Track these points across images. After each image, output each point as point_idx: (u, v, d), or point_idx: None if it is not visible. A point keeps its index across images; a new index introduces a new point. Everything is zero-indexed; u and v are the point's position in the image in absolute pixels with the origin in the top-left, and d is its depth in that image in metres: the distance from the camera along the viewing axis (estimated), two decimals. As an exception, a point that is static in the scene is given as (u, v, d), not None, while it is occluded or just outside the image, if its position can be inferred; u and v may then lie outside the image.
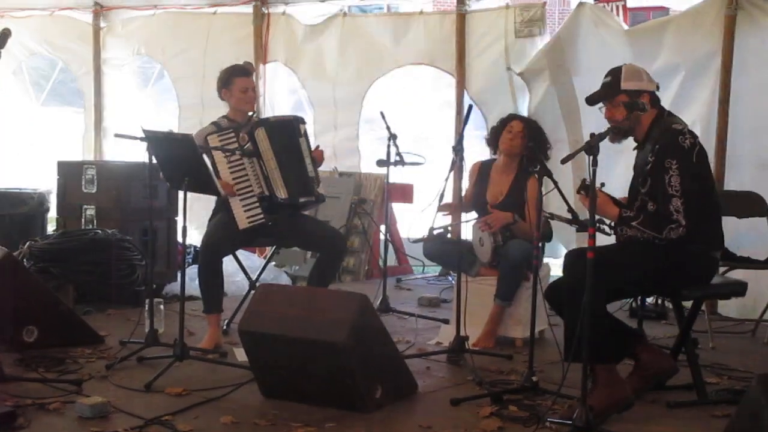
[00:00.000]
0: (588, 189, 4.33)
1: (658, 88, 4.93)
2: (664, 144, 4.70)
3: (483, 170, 6.48)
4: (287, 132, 6.12)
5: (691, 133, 4.79)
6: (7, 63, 11.30)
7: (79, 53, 10.99)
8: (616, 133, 4.88)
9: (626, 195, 5.03)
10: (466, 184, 6.53)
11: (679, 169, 4.63)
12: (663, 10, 9.02)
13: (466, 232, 6.46)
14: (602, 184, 4.55)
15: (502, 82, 8.65)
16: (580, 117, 8.05)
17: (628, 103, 4.74)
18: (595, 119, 7.90)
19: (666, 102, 4.99)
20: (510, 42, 8.52)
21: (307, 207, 6.35)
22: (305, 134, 6.19)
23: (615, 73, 4.89)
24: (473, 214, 6.48)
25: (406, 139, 7.39)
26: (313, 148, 6.25)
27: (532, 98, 8.40)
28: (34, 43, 11.23)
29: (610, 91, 4.88)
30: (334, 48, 9.48)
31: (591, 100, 4.97)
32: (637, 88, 4.82)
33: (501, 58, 8.61)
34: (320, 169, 6.34)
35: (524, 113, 8.05)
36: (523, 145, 6.28)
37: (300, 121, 6.24)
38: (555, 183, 4.87)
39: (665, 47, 7.54)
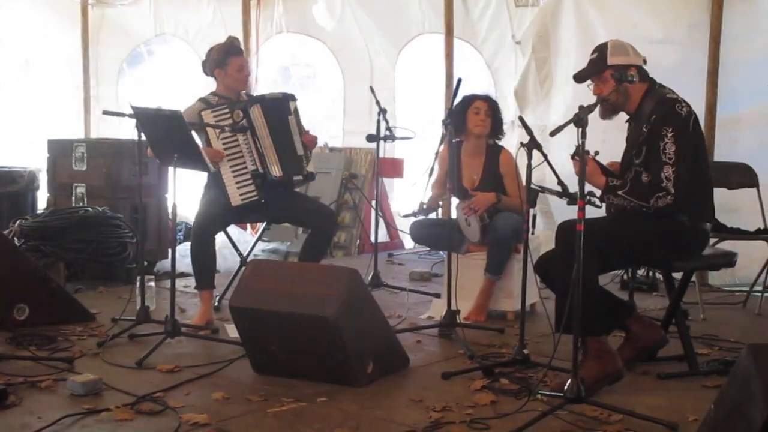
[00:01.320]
0: (583, 156, 4.32)
1: (645, 62, 4.92)
2: (661, 112, 4.69)
3: (452, 155, 6.43)
4: (281, 109, 6.11)
5: (686, 103, 4.78)
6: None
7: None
8: (606, 109, 4.87)
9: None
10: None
11: (674, 137, 4.61)
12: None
13: (453, 211, 6.45)
14: (596, 152, 4.55)
15: (511, 48, 8.70)
16: (552, 96, 8.15)
17: (616, 74, 4.72)
18: (563, 99, 8.03)
19: (657, 74, 4.96)
20: (512, 11, 8.54)
21: (298, 185, 6.34)
22: (296, 111, 6.17)
23: (601, 49, 4.88)
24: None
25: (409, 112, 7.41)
26: (307, 131, 6.25)
27: (520, 70, 8.42)
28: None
29: (597, 67, 4.86)
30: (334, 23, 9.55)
31: (579, 78, 4.95)
32: (624, 62, 4.80)
33: (507, 26, 8.65)
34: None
35: None
36: (490, 123, 6.29)
37: (291, 97, 6.22)
38: (545, 156, 4.85)
39: (651, 19, 7.53)
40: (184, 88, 10.57)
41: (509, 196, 6.14)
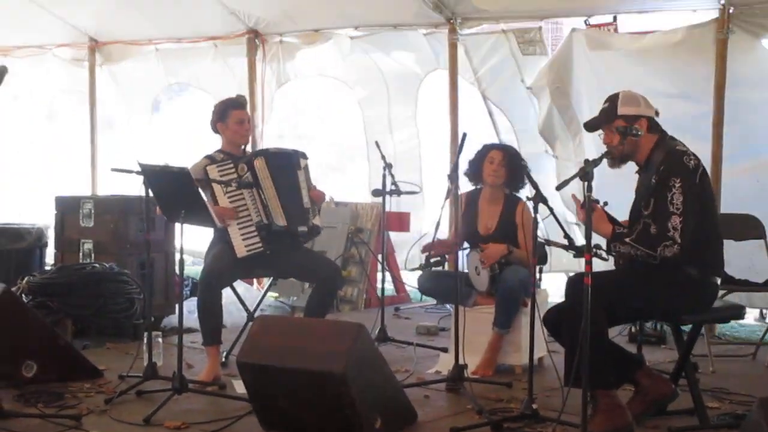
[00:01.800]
0: (593, 206, 4.35)
1: (657, 113, 4.94)
2: (669, 163, 4.71)
3: (471, 200, 6.49)
4: (287, 162, 6.17)
5: (695, 155, 4.79)
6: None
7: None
8: (613, 159, 4.89)
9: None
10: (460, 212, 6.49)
11: (682, 188, 4.62)
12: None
13: (461, 263, 6.44)
14: (605, 203, 4.56)
15: (521, 90, 8.76)
16: (583, 138, 8.14)
17: (621, 128, 4.75)
18: (596, 141, 8.01)
19: (668, 126, 4.99)
20: (520, 60, 8.61)
21: (305, 239, 6.36)
22: (305, 168, 6.24)
23: (612, 99, 4.91)
24: (466, 245, 6.48)
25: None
26: (314, 186, 6.29)
27: (540, 113, 8.45)
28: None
29: (607, 117, 4.90)
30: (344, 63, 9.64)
31: (589, 126, 5.00)
32: (635, 113, 4.84)
33: (516, 74, 8.72)
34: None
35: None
36: (505, 173, 6.31)
37: (301, 155, 6.29)
38: (550, 209, 4.87)
39: (664, 69, 7.58)
40: (198, 136, 10.72)
41: (521, 249, 6.14)
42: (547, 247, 6.26)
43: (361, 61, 9.61)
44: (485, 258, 6.13)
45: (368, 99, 9.86)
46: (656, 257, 4.62)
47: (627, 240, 4.69)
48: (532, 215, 4.87)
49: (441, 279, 6.38)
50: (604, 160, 4.66)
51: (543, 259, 6.40)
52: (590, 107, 7.87)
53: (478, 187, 6.50)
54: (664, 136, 4.91)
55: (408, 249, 6.79)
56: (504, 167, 6.32)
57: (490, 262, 6.13)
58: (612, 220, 4.87)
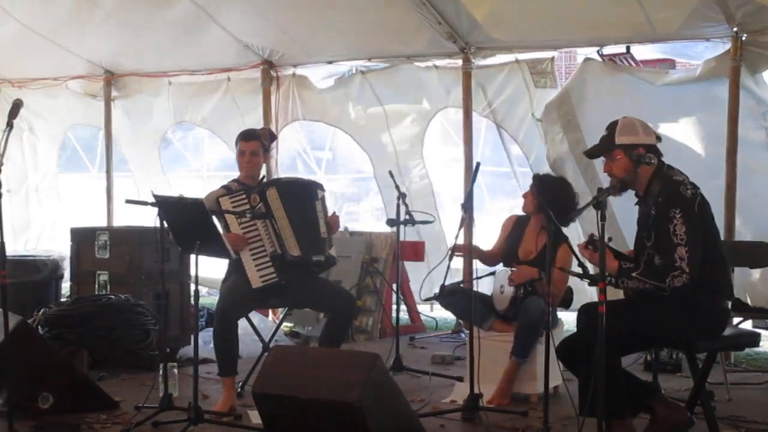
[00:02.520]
0: (596, 244, 4.35)
1: (659, 139, 4.94)
2: (667, 195, 4.72)
3: (518, 225, 6.49)
4: (301, 192, 6.20)
5: (692, 184, 4.80)
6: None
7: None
8: (614, 187, 4.89)
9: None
10: (477, 239, 6.48)
11: (683, 218, 4.63)
12: (669, 62, 9.05)
13: (483, 286, 6.45)
14: (609, 239, 4.57)
15: (532, 124, 8.79)
16: (597, 171, 8.14)
17: (636, 156, 4.75)
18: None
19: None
20: (532, 92, 8.63)
21: (320, 269, 6.37)
22: (322, 199, 6.28)
23: (611, 127, 4.92)
24: (490, 268, 6.49)
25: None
26: (330, 213, 6.32)
27: (549, 148, 8.46)
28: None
29: (606, 146, 4.91)
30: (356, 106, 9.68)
31: (590, 154, 5.02)
32: (631, 142, 4.84)
33: (528, 106, 8.74)
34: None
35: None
36: (535, 203, 6.30)
37: (318, 186, 6.35)
38: (566, 239, 4.88)
39: (682, 101, 7.59)
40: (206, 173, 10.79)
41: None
42: (573, 291, 6.28)
43: (370, 106, 9.65)
44: (515, 276, 6.15)
45: (377, 144, 9.85)
46: (666, 288, 4.61)
47: (634, 275, 4.69)
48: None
49: (461, 296, 6.36)
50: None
51: (567, 303, 6.37)
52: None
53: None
54: (662, 165, 4.90)
55: (423, 279, 6.80)
56: (533, 196, 6.30)
57: (518, 280, 6.14)
58: (617, 254, 4.87)
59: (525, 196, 6.37)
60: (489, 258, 6.46)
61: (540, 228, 6.30)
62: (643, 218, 4.88)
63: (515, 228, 6.49)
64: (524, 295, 6.16)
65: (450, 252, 5.82)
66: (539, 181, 6.44)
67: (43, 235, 11.82)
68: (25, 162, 11.98)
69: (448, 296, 6.42)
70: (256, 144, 6.28)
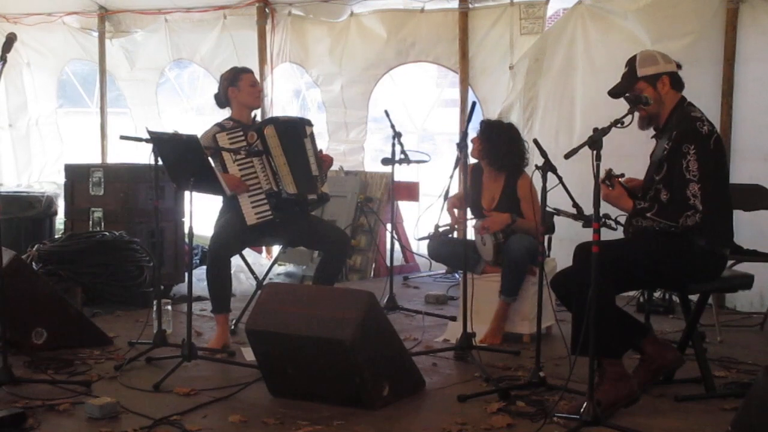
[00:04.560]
0: (613, 180, 4.33)
1: (680, 67, 4.90)
2: (682, 129, 4.67)
3: (475, 174, 6.48)
4: (295, 130, 6.17)
5: (709, 122, 4.74)
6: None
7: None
8: (642, 119, 4.85)
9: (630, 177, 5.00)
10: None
11: (696, 154, 4.57)
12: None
13: (471, 231, 6.46)
14: (621, 174, 4.54)
15: (505, 79, 8.66)
16: (535, 120, 8.23)
17: (632, 97, 4.72)
18: (556, 122, 8.02)
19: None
20: (515, 39, 8.53)
21: (313, 207, 6.37)
22: (311, 136, 6.24)
23: (631, 62, 4.86)
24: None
25: (412, 138, 7.38)
26: (320, 150, 6.29)
27: (509, 93, 8.42)
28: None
29: (629, 81, 4.84)
30: (342, 48, 9.52)
31: (613, 93, 4.89)
32: (655, 72, 4.79)
33: (506, 55, 8.61)
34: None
35: None
36: (480, 149, 6.33)
37: (306, 122, 6.30)
38: (560, 178, 4.85)
39: (665, 34, 7.53)
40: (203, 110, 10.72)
41: (525, 219, 6.16)
42: (555, 217, 6.26)
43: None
44: (487, 224, 6.14)
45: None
46: (677, 227, 4.59)
47: (648, 215, 4.66)
48: (540, 184, 4.86)
49: (451, 246, 6.40)
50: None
51: (551, 229, 6.41)
52: (583, 81, 7.87)
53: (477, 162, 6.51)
54: (683, 101, 4.86)
55: (417, 218, 6.80)
56: (478, 143, 6.33)
57: (493, 228, 6.14)
58: (631, 194, 4.84)
59: (473, 141, 6.34)
60: (457, 207, 6.46)
61: (496, 174, 6.37)
62: (658, 151, 4.83)
63: (474, 178, 6.47)
64: (505, 240, 6.16)
65: (444, 199, 5.82)
66: (485, 126, 6.45)
67: (45, 170, 11.81)
68: (26, 96, 11.93)
69: (438, 248, 6.44)
70: (255, 76, 6.40)
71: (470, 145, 6.07)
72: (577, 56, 7.99)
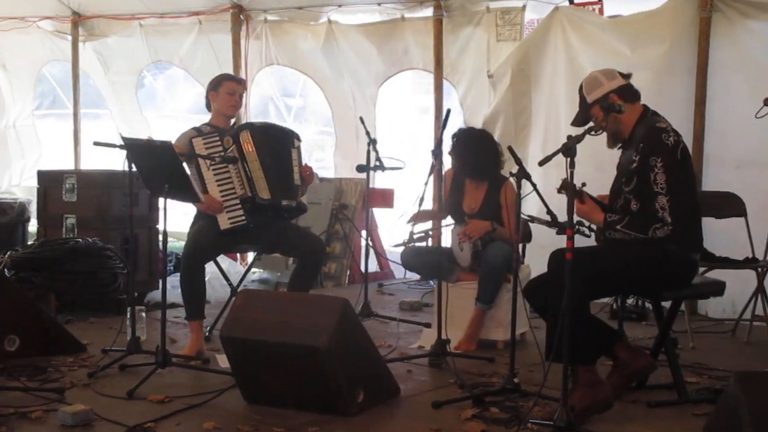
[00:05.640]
0: (568, 187, 4.35)
1: (627, 77, 4.95)
2: (648, 142, 4.72)
3: (457, 178, 6.51)
4: (276, 137, 6.19)
5: (675, 131, 4.80)
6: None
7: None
8: (609, 138, 4.91)
9: (602, 193, 5.03)
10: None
11: (664, 167, 4.63)
12: (639, 15, 9.05)
13: (445, 239, 6.47)
14: (583, 184, 4.57)
15: (484, 85, 8.68)
16: (531, 129, 8.21)
17: (605, 106, 4.75)
18: (543, 132, 8.04)
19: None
20: (492, 45, 8.55)
21: (290, 215, 6.36)
22: (298, 149, 6.28)
23: (580, 92, 4.95)
24: (451, 219, 6.51)
25: (390, 144, 7.39)
26: (304, 164, 6.31)
27: (492, 102, 8.44)
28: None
29: (584, 110, 4.94)
30: (321, 56, 9.54)
31: (576, 123, 4.98)
32: (601, 93, 4.85)
33: (484, 62, 8.63)
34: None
35: None
36: (457, 165, 6.43)
37: (295, 136, 6.33)
38: (534, 185, 4.88)
39: (640, 43, 7.57)
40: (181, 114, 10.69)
41: (506, 228, 6.17)
42: (531, 225, 6.29)
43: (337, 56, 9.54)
44: (468, 231, 6.15)
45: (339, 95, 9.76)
46: (648, 239, 4.64)
47: (619, 227, 4.70)
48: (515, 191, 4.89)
49: (424, 255, 6.40)
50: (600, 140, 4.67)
51: (527, 237, 6.43)
52: (566, 91, 7.89)
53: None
54: (647, 111, 4.92)
55: (391, 225, 6.80)
56: (455, 158, 6.40)
57: (474, 236, 6.15)
58: (602, 206, 4.87)
59: (450, 153, 6.40)
60: (437, 214, 6.46)
61: (476, 181, 6.40)
62: (625, 163, 4.87)
63: (455, 182, 6.50)
64: (483, 247, 6.18)
65: (419, 205, 5.82)
66: (456, 142, 6.45)
67: (24, 173, 11.73)
68: (3, 99, 11.85)
69: (411, 258, 6.46)
70: (243, 87, 6.41)
71: (447, 156, 6.13)
72: (559, 63, 8.02)
